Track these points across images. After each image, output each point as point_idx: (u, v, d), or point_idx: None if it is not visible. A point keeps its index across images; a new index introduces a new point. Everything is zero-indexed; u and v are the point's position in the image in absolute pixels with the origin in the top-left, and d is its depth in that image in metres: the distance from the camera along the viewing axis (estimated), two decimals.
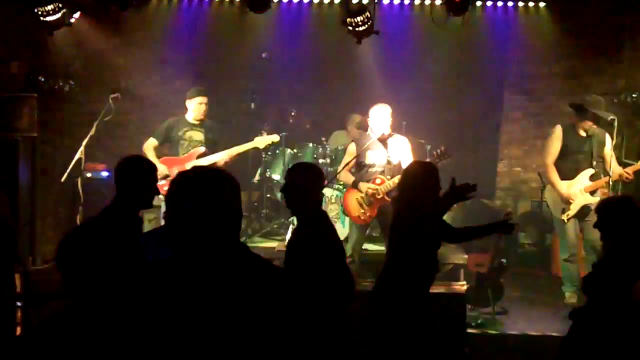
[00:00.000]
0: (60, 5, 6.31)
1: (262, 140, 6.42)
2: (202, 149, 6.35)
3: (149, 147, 6.41)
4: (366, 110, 5.99)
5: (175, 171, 6.30)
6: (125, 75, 7.59)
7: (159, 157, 6.41)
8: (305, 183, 3.61)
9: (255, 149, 6.55)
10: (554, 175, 6.05)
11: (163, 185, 6.30)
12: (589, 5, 7.58)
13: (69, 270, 2.20)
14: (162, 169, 6.31)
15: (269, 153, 7.24)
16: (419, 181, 3.93)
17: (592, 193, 5.98)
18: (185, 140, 6.42)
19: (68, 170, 6.30)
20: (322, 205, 3.98)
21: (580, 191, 5.95)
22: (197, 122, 6.43)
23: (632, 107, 7.29)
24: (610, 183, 5.79)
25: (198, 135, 6.41)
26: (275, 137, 6.51)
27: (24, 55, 7.22)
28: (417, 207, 3.82)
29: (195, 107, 6.38)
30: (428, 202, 3.84)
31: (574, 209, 5.95)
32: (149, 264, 2.33)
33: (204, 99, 6.39)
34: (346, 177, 5.97)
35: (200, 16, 7.79)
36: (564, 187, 5.97)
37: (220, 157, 6.29)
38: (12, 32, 7.16)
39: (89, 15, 7.07)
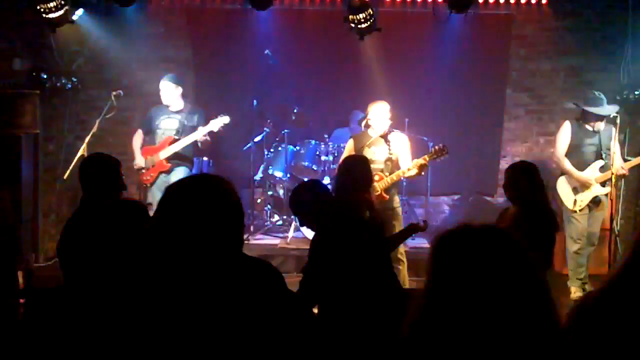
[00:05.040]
0: (62, 2, 6.31)
1: (216, 123, 6.35)
2: (174, 136, 6.43)
3: (136, 138, 6.65)
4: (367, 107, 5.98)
5: (152, 160, 6.40)
6: (128, 72, 7.59)
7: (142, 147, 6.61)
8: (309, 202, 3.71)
9: (211, 132, 6.39)
10: (567, 165, 6.11)
11: (143, 175, 6.44)
12: (591, 2, 7.57)
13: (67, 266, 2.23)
14: (139, 160, 6.50)
15: (272, 150, 7.24)
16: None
17: (603, 184, 6.05)
18: (160, 129, 6.54)
19: (71, 167, 6.32)
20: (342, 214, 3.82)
21: (592, 181, 6.01)
22: (174, 110, 6.50)
23: (635, 105, 7.28)
24: (613, 179, 5.84)
25: (173, 123, 6.53)
26: (226, 119, 6.39)
27: (26, 52, 7.23)
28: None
29: (161, 93, 6.52)
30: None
31: (585, 199, 6.01)
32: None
33: (165, 84, 6.49)
34: None
35: (202, 13, 7.79)
36: (583, 173, 6.04)
37: (189, 141, 6.33)
38: (14, 29, 7.17)
39: (92, 12, 7.07)
